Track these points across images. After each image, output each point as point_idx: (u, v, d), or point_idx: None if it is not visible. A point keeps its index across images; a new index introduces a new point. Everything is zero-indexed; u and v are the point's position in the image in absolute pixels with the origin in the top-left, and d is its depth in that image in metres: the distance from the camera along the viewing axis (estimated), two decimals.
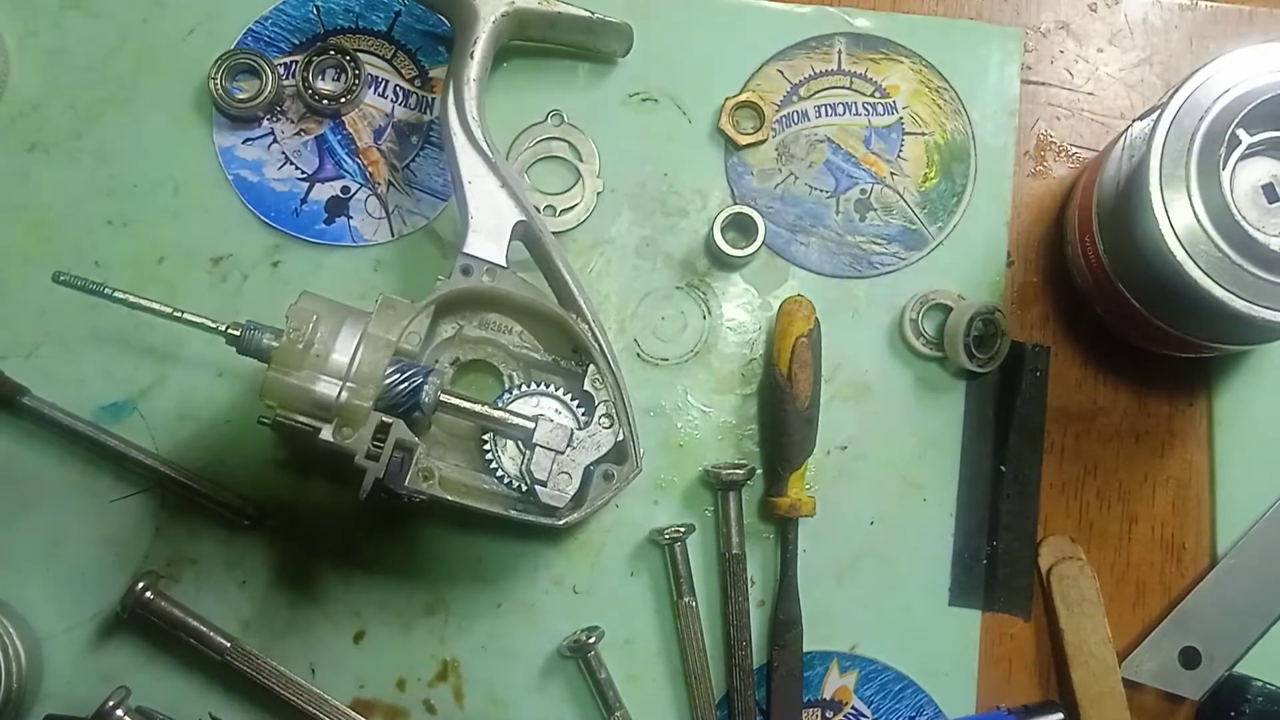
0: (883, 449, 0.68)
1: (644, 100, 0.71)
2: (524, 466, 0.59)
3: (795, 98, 0.71)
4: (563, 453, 0.59)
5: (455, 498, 0.58)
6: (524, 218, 0.62)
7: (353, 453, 0.55)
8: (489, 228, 0.61)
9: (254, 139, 0.69)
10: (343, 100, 0.69)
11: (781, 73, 0.71)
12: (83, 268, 0.67)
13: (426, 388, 0.57)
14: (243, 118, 0.69)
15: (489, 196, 0.62)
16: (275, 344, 0.56)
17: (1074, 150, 0.71)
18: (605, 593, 0.66)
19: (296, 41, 0.70)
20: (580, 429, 0.59)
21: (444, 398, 0.58)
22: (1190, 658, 0.66)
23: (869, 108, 0.71)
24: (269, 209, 0.69)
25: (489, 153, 0.62)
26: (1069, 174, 0.71)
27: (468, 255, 0.61)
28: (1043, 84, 0.72)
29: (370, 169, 0.69)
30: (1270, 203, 0.58)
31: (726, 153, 0.70)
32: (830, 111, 0.71)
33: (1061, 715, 0.65)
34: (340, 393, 0.55)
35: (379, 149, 0.70)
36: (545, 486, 0.58)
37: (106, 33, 0.70)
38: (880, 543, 0.67)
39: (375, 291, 0.62)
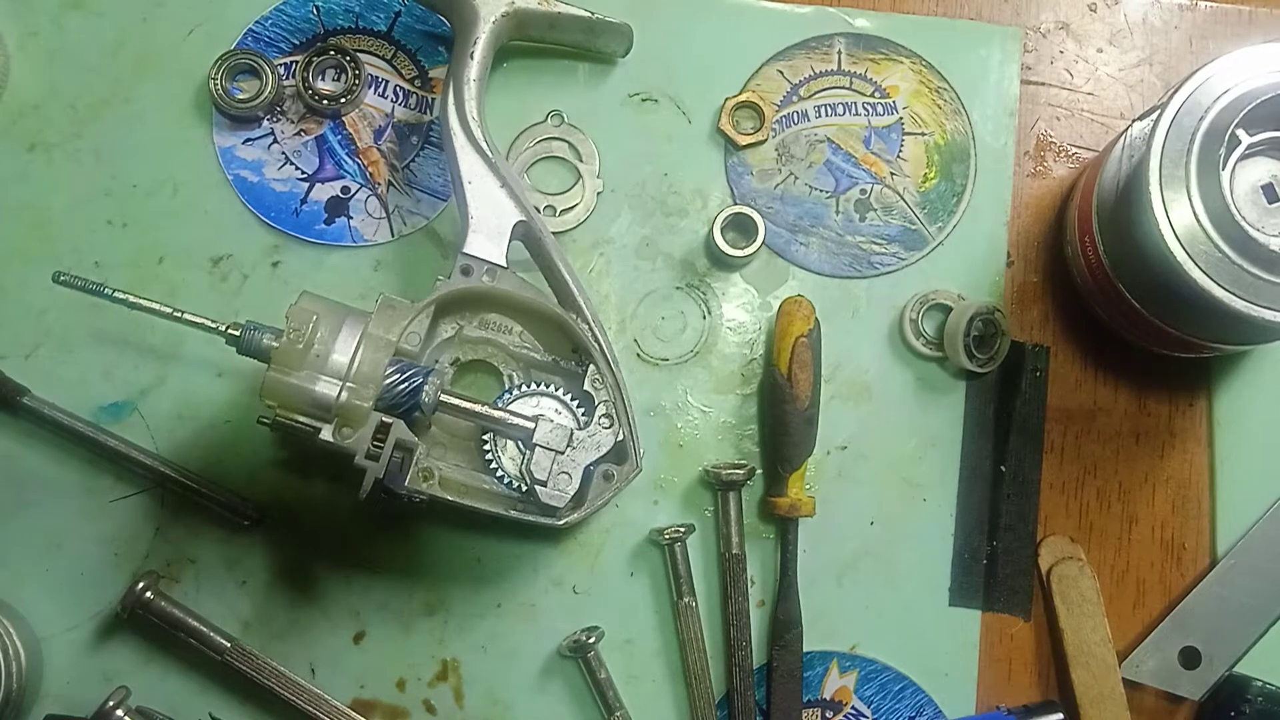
0: (883, 449, 0.68)
1: (644, 100, 0.71)
2: (524, 466, 0.59)
3: (795, 98, 0.71)
4: (563, 453, 0.59)
5: (455, 498, 0.58)
6: (524, 218, 0.62)
7: (353, 453, 0.55)
8: (489, 228, 0.61)
9: (254, 139, 0.69)
10: (343, 100, 0.69)
11: (781, 73, 0.71)
12: (83, 268, 0.67)
13: (426, 388, 0.57)
14: (243, 118, 0.69)
15: (489, 196, 0.62)
16: (275, 344, 0.56)
17: (1074, 150, 0.71)
18: (605, 593, 0.66)
19: (296, 41, 0.70)
20: (580, 429, 0.59)
21: (444, 398, 0.58)
22: (1190, 658, 0.66)
23: (869, 108, 0.71)
24: (269, 209, 0.69)
25: (489, 153, 0.62)
26: (1069, 174, 0.71)
27: (468, 255, 0.61)
28: (1043, 84, 0.72)
29: (370, 169, 0.69)
30: (1270, 203, 0.58)
31: (726, 153, 0.70)
32: (830, 112, 0.71)
33: (1061, 715, 0.65)
34: (340, 393, 0.55)
35: (379, 149, 0.70)
36: (545, 486, 0.58)
37: (106, 33, 0.70)
38: (880, 543, 0.67)
39: (375, 291, 0.62)
